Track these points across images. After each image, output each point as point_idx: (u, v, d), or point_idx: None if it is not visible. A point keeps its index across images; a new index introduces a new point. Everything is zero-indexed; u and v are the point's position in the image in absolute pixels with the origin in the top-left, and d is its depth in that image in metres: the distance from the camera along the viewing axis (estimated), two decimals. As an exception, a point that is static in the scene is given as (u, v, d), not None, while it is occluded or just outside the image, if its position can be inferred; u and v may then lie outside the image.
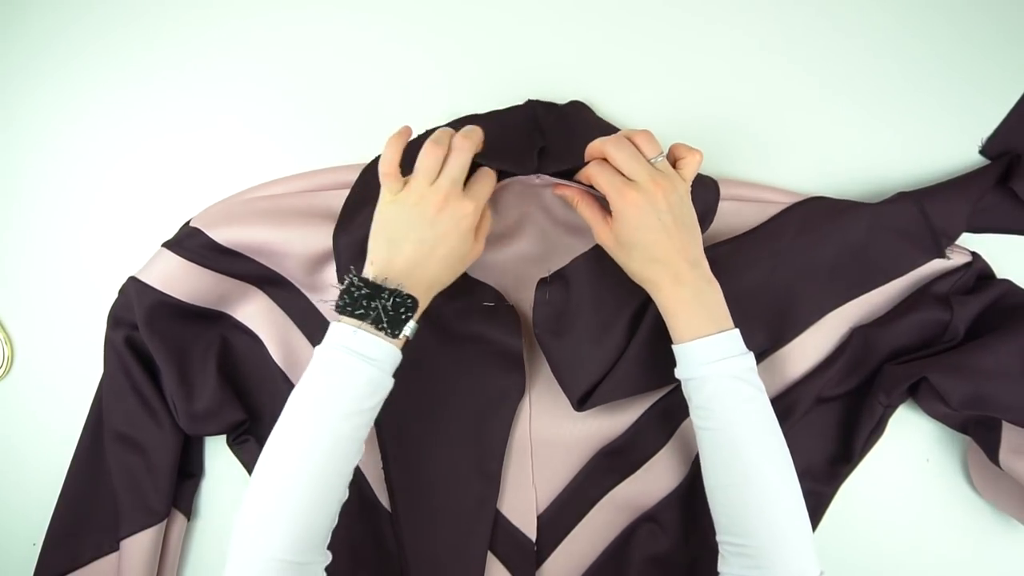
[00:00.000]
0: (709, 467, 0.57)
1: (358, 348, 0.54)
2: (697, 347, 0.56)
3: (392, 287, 0.54)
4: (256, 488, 0.52)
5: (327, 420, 0.53)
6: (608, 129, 0.66)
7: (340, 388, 0.54)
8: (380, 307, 0.53)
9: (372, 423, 0.56)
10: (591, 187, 0.60)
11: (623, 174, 0.56)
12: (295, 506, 0.51)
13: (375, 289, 0.54)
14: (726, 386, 0.55)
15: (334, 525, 0.54)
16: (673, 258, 0.56)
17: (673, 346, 0.58)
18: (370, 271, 0.56)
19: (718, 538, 0.56)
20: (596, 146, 0.58)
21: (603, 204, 0.60)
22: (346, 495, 0.55)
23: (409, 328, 0.56)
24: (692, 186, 0.60)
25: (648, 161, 0.57)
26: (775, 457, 0.55)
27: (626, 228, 0.56)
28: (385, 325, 0.54)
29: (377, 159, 0.68)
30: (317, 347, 0.55)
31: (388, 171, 0.58)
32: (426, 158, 0.57)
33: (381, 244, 0.57)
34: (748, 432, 0.55)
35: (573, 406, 0.64)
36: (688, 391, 0.58)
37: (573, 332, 0.62)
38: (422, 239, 0.56)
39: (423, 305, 0.57)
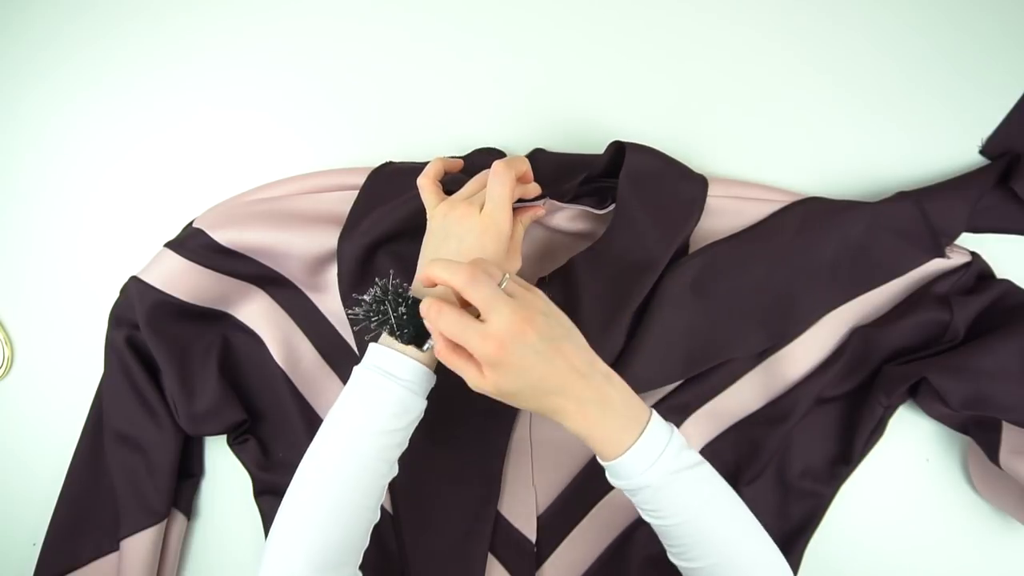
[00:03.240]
0: (677, 552, 0.54)
1: (387, 367, 0.54)
2: (626, 461, 0.51)
3: (405, 294, 0.53)
4: (286, 501, 0.53)
5: (354, 439, 0.53)
6: (565, 160, 0.66)
7: (368, 407, 0.54)
8: (391, 314, 0.52)
9: (404, 444, 0.56)
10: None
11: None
12: (319, 522, 0.51)
13: (387, 294, 0.53)
14: (670, 487, 0.51)
15: (365, 545, 0.54)
16: (566, 381, 0.50)
17: (600, 462, 0.54)
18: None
19: None
20: (439, 275, 0.50)
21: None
22: (377, 516, 0.55)
23: (432, 343, 0.54)
24: (681, 180, 0.60)
25: (499, 287, 0.50)
26: (737, 523, 0.53)
27: (504, 378, 0.49)
28: (395, 328, 0.53)
29: (384, 164, 0.68)
30: (355, 366, 0.56)
31: (423, 182, 0.59)
32: (470, 183, 0.59)
33: (420, 263, 0.58)
34: (707, 515, 0.52)
35: None
36: (630, 496, 0.54)
37: None
38: (451, 255, 0.56)
39: None
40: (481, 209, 0.56)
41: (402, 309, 0.52)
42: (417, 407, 0.55)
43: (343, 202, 0.67)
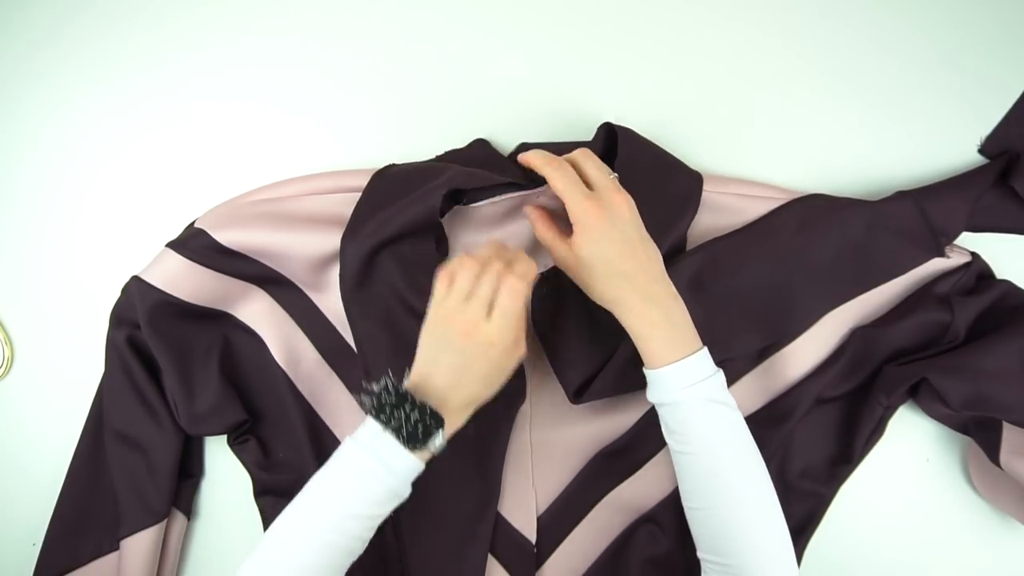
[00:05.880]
0: (689, 490, 0.56)
1: (381, 453, 0.52)
2: (671, 372, 0.54)
3: (419, 401, 0.53)
4: (258, 559, 0.52)
5: (333, 515, 0.52)
6: (553, 151, 0.66)
7: (354, 488, 0.53)
8: (403, 418, 0.52)
9: (379, 524, 0.55)
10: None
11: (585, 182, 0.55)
12: None
13: (401, 399, 0.52)
14: (702, 411, 0.54)
15: None
16: (638, 273, 0.55)
17: (645, 370, 0.57)
18: (409, 379, 0.55)
19: (700, 555, 0.56)
20: (554, 157, 0.56)
21: (559, 224, 0.59)
22: None
23: (434, 445, 0.54)
24: (676, 175, 0.61)
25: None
26: (754, 475, 0.55)
27: (587, 241, 0.54)
28: (404, 437, 0.52)
29: (387, 167, 0.68)
30: (347, 436, 0.54)
31: (441, 275, 0.57)
32: (463, 271, 0.55)
33: (424, 354, 0.56)
34: (727, 453, 0.55)
35: (569, 398, 0.63)
36: (662, 415, 0.57)
37: (568, 325, 0.62)
38: (453, 363, 0.54)
39: (458, 422, 0.56)
40: (489, 313, 0.54)
41: (414, 414, 0.52)
42: (404, 494, 0.54)
43: (346, 204, 0.66)
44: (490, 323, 0.53)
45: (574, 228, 0.55)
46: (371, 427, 0.53)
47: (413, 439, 0.52)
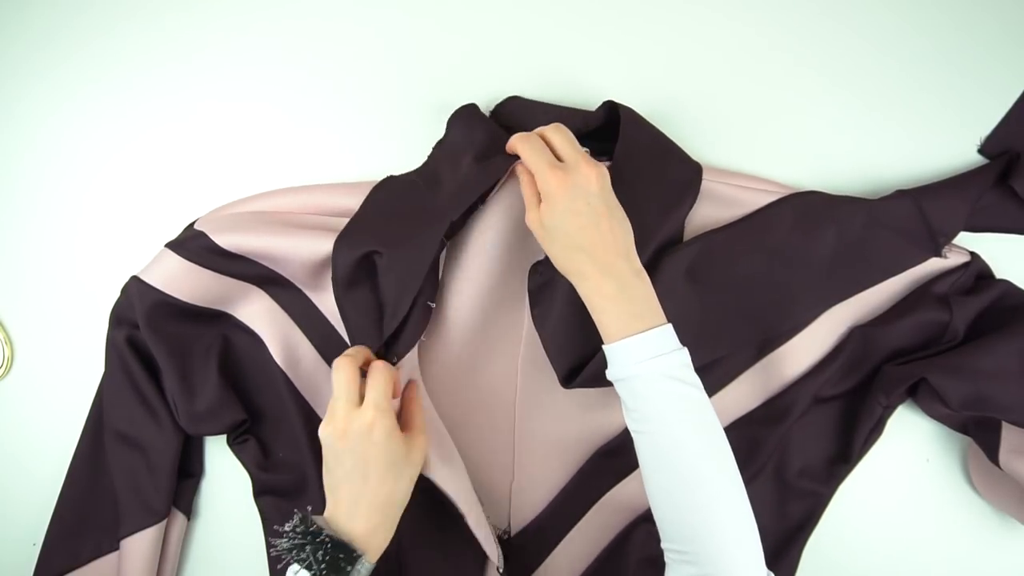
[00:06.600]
0: (647, 472, 0.54)
1: None
2: (626, 346, 0.53)
3: (324, 537, 0.52)
4: None
5: None
6: (551, 112, 0.66)
7: None
8: (311, 559, 0.51)
9: None
10: None
11: (555, 155, 0.55)
12: None
13: (306, 538, 0.52)
14: (658, 386, 0.52)
15: None
16: (597, 246, 0.53)
17: (604, 346, 0.55)
18: (325, 513, 0.55)
19: (663, 545, 0.54)
20: (525, 133, 0.56)
21: None
22: None
23: (358, 574, 0.52)
24: (675, 160, 0.61)
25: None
26: (714, 457, 0.52)
27: (550, 211, 0.54)
28: (312, 567, 0.51)
29: (387, 179, 0.67)
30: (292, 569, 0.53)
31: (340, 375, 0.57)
32: (330, 402, 0.56)
33: (327, 485, 0.56)
34: (683, 433, 0.52)
35: (560, 382, 0.63)
36: (620, 394, 0.55)
37: (562, 310, 0.61)
38: (348, 472, 0.54)
39: (383, 539, 0.55)
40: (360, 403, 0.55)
41: (320, 553, 0.51)
42: None
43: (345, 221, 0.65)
44: (361, 409, 0.54)
45: (541, 196, 0.54)
46: (292, 566, 0.52)
47: (322, 570, 0.51)
